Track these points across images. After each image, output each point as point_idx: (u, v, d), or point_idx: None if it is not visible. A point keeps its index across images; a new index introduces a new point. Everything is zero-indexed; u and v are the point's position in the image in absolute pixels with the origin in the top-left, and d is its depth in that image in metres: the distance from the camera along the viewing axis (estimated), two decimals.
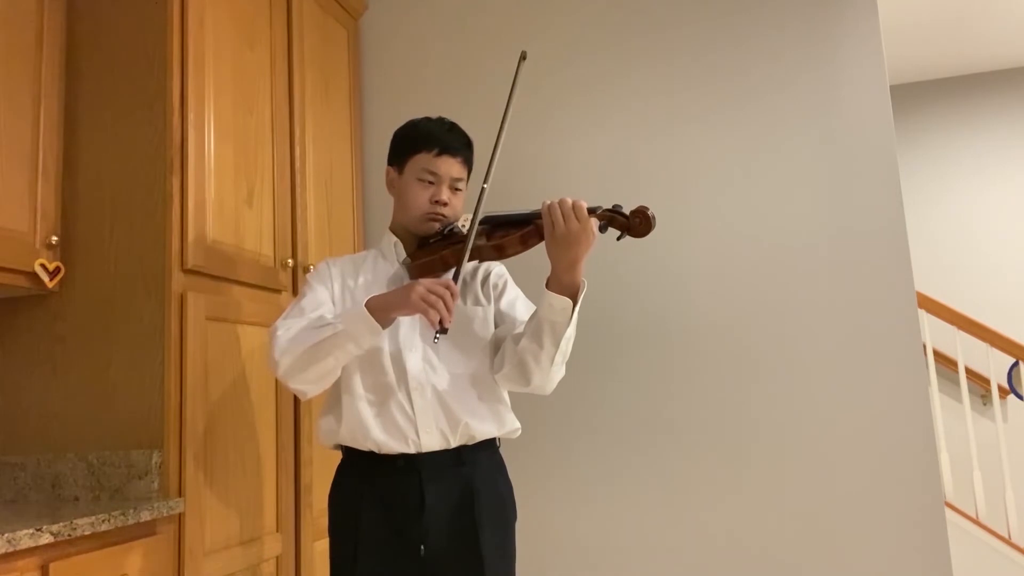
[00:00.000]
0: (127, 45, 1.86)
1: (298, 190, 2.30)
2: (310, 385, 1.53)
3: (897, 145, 2.42)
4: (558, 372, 1.59)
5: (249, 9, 2.16)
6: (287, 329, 1.52)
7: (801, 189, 2.40)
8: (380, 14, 2.85)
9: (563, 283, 1.49)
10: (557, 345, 1.51)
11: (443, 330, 1.42)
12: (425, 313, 1.41)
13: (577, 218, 1.46)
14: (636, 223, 1.51)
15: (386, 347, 1.57)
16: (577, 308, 1.51)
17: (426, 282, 1.44)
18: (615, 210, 1.52)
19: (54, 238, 1.77)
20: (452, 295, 1.43)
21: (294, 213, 2.28)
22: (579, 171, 2.58)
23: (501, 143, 1.59)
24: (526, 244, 1.56)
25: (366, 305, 1.46)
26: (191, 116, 1.85)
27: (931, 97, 4.73)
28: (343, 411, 1.57)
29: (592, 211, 1.49)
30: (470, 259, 1.59)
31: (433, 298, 1.40)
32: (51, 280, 1.76)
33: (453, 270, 1.51)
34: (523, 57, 1.63)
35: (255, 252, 2.07)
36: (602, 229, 1.52)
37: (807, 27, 2.45)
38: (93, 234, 1.81)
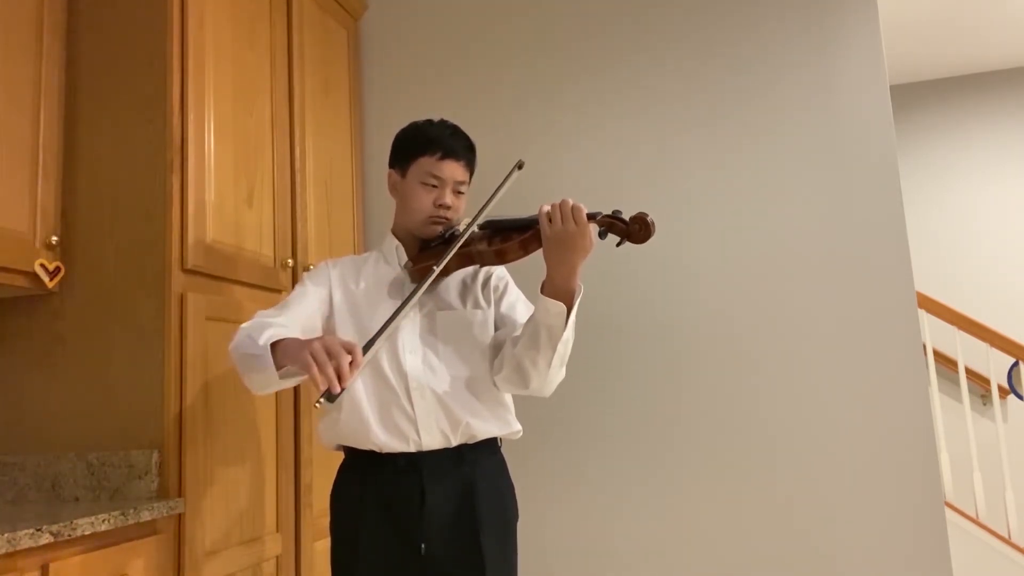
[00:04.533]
0: (127, 45, 1.86)
1: (298, 190, 2.30)
2: (252, 387, 1.50)
3: (897, 145, 2.42)
4: (557, 375, 1.58)
5: (249, 9, 2.16)
6: (250, 325, 1.52)
7: (801, 189, 2.40)
8: (380, 14, 2.85)
9: (558, 287, 1.48)
10: (554, 349, 1.51)
11: (329, 396, 1.27)
12: (308, 370, 1.27)
13: (575, 221, 1.44)
14: (635, 229, 1.49)
15: (386, 350, 1.57)
16: (574, 313, 1.50)
17: (328, 340, 1.31)
18: (614, 216, 1.51)
19: (54, 238, 1.77)
20: (353, 362, 1.28)
21: (294, 213, 2.28)
22: (577, 173, 2.58)
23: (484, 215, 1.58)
24: (527, 250, 1.54)
25: (277, 344, 1.42)
26: (191, 116, 1.85)
27: (931, 97, 4.73)
28: (344, 412, 1.57)
29: (591, 217, 1.48)
30: (471, 264, 1.59)
31: (324, 358, 1.27)
32: (51, 280, 1.76)
33: (384, 323, 1.44)
34: (519, 166, 1.61)
35: (255, 252, 2.07)
36: (601, 235, 1.51)
37: (807, 27, 2.45)
38: (93, 234, 1.81)
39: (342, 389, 1.27)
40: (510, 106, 2.66)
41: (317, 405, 1.30)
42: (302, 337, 1.49)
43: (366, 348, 1.37)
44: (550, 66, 2.65)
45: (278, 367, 1.40)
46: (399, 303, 1.59)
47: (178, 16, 1.86)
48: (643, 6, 2.60)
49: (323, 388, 1.27)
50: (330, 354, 1.28)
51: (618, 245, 1.52)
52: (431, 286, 1.55)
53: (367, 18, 2.86)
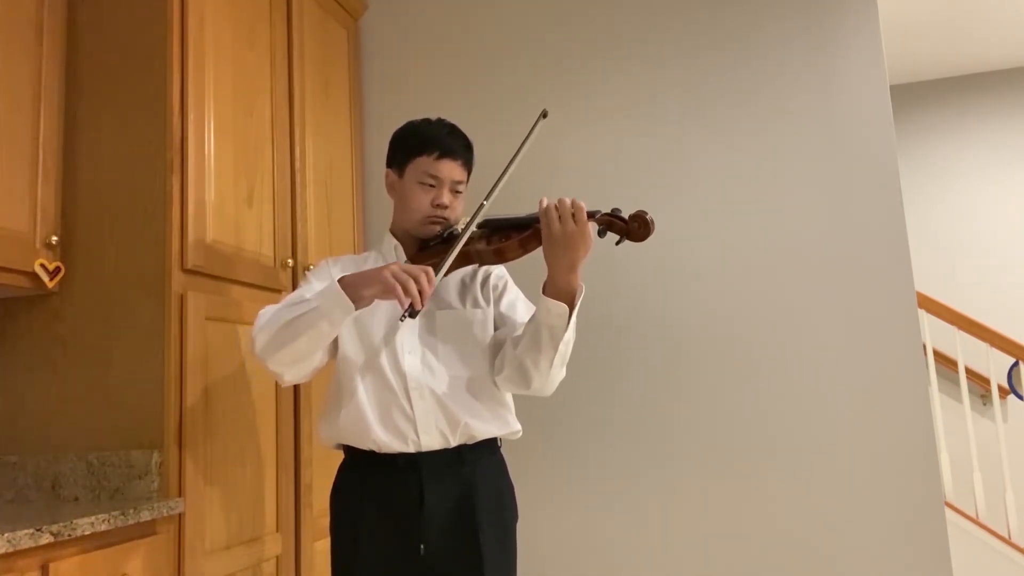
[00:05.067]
0: (127, 45, 1.86)
1: (298, 190, 2.30)
2: (285, 368, 1.51)
3: (897, 145, 2.42)
4: (558, 375, 1.58)
5: (249, 9, 2.16)
6: (277, 306, 1.53)
7: (801, 189, 2.40)
8: (380, 14, 2.85)
9: (559, 287, 1.48)
10: (556, 348, 1.50)
11: (412, 312, 1.37)
12: (393, 290, 1.36)
13: (575, 220, 1.44)
14: (635, 227, 1.49)
15: (384, 350, 1.57)
16: (575, 313, 1.50)
17: (400, 264, 1.41)
18: (614, 214, 1.51)
19: (54, 238, 1.77)
20: (428, 280, 1.38)
21: (294, 213, 2.28)
22: (577, 172, 2.58)
23: (510, 173, 1.58)
24: (526, 248, 1.54)
25: (339, 281, 1.44)
26: (191, 116, 1.85)
27: (931, 97, 4.73)
28: (343, 412, 1.57)
29: (591, 215, 1.47)
30: (470, 263, 1.59)
31: (404, 277, 1.37)
32: (51, 280, 1.76)
33: (441, 263, 1.48)
34: (544, 115, 1.62)
35: (255, 252, 2.07)
36: (601, 234, 1.51)
37: (807, 27, 2.45)
38: (93, 234, 1.81)
39: (423, 306, 1.37)
40: (509, 105, 2.66)
41: (402, 321, 1.43)
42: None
43: (436, 271, 1.43)
44: (549, 66, 2.65)
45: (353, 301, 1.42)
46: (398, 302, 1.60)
47: (178, 16, 1.86)
48: (642, 6, 2.60)
49: (405, 304, 1.36)
50: (408, 273, 1.37)
51: (617, 243, 1.52)
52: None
53: (367, 18, 2.86)
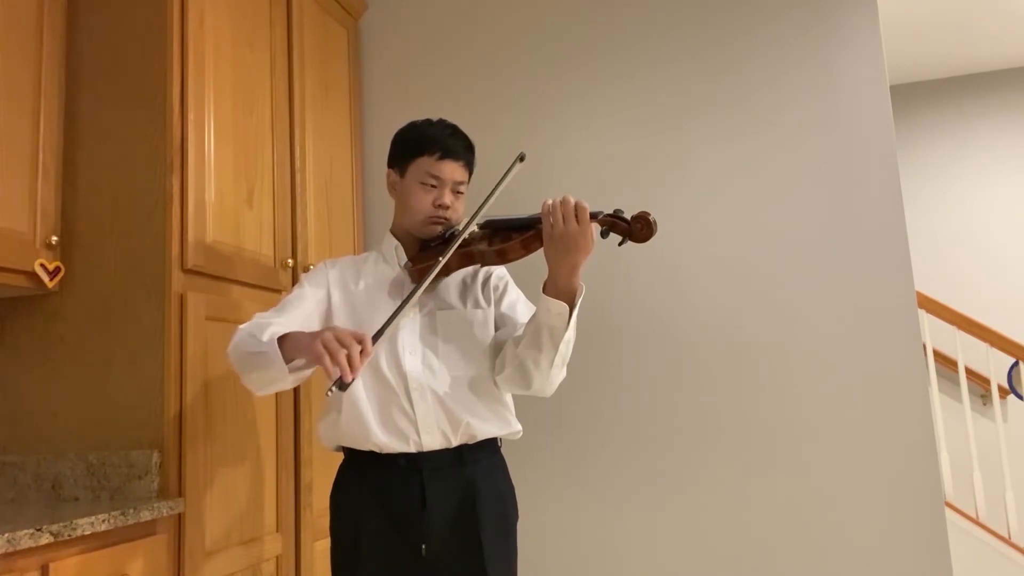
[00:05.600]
0: (127, 45, 1.86)
1: (298, 190, 2.30)
2: (253, 387, 1.52)
3: (897, 145, 2.42)
4: (558, 375, 1.58)
5: (249, 9, 2.16)
6: (250, 325, 1.53)
7: (801, 189, 2.40)
8: (380, 14, 2.85)
9: (560, 287, 1.48)
10: (556, 349, 1.50)
11: (340, 385, 1.30)
12: (320, 361, 1.30)
13: (578, 220, 1.44)
14: (637, 229, 1.49)
15: (385, 351, 1.57)
16: (575, 312, 1.50)
17: (339, 330, 1.35)
18: (616, 215, 1.50)
19: (54, 238, 1.77)
20: (363, 351, 1.32)
21: (294, 213, 2.28)
22: (576, 172, 2.58)
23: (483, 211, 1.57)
24: (529, 249, 1.54)
25: (280, 339, 1.43)
26: (191, 116, 1.85)
27: (931, 97, 4.73)
28: (343, 413, 1.57)
29: (593, 216, 1.47)
30: (471, 263, 1.59)
31: (335, 347, 1.30)
32: (51, 280, 1.76)
33: (389, 316, 1.45)
34: (520, 159, 1.59)
35: (255, 252, 2.07)
36: (603, 235, 1.51)
37: (807, 27, 2.45)
38: (93, 234, 1.81)
39: (353, 378, 1.30)
40: (510, 105, 2.66)
41: (328, 395, 1.32)
42: None
43: (375, 338, 1.38)
44: (549, 66, 2.65)
45: (286, 360, 1.41)
46: (399, 303, 1.59)
47: (178, 16, 1.86)
48: (642, 6, 2.60)
49: (335, 377, 1.30)
50: (341, 343, 1.31)
51: (620, 244, 1.52)
52: (435, 279, 1.56)
53: (367, 18, 2.86)
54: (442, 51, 2.77)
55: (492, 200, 1.56)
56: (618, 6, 2.62)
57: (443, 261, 1.51)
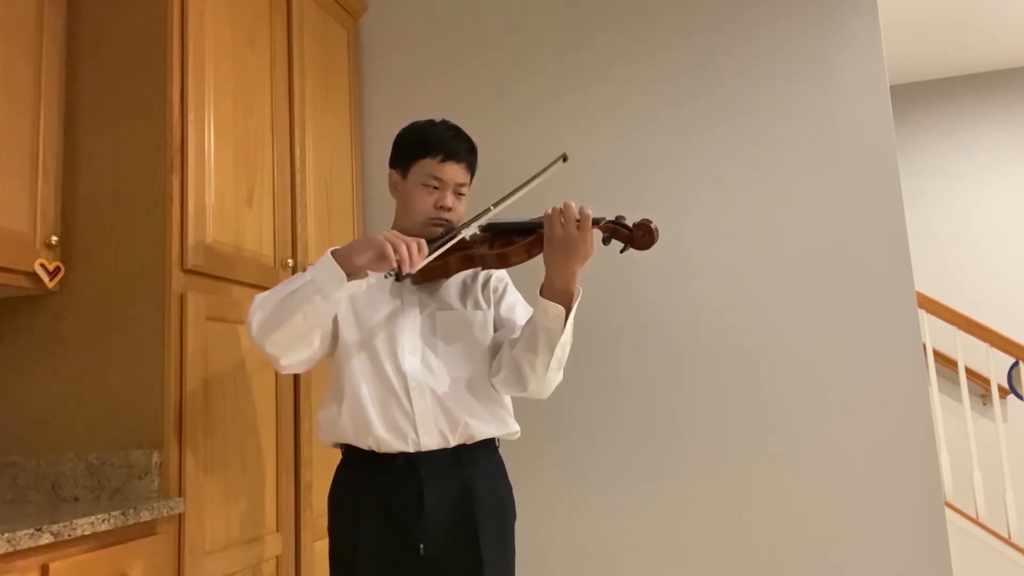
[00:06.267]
0: (127, 45, 1.86)
1: (298, 190, 2.30)
2: (281, 351, 1.49)
3: (897, 145, 2.42)
4: (555, 377, 1.58)
5: (249, 9, 2.16)
6: (269, 292, 1.52)
7: (801, 189, 2.40)
8: (380, 14, 2.85)
9: (557, 291, 1.48)
10: (552, 352, 1.51)
11: (397, 275, 1.39)
12: (382, 248, 1.38)
13: (580, 227, 1.44)
14: (639, 236, 1.48)
15: (385, 349, 1.57)
16: (572, 316, 1.50)
17: (395, 231, 1.44)
18: (618, 222, 1.50)
19: (54, 238, 1.77)
20: (420, 248, 1.40)
21: (294, 213, 2.28)
22: (576, 174, 2.56)
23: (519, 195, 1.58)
24: (530, 253, 1.54)
25: (332, 253, 1.43)
26: (191, 116, 1.85)
27: (931, 97, 4.73)
28: (344, 409, 1.57)
29: (595, 223, 1.47)
30: (473, 266, 1.59)
31: (397, 240, 1.39)
32: (51, 280, 1.76)
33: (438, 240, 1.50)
34: (563, 159, 1.63)
35: (255, 252, 2.07)
36: (605, 242, 1.51)
37: (807, 27, 2.45)
38: (93, 234, 1.81)
39: (410, 272, 1.40)
40: (510, 106, 2.66)
41: (385, 278, 1.48)
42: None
43: (431, 244, 1.46)
44: (549, 67, 2.65)
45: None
46: (399, 302, 1.60)
47: (178, 16, 1.86)
48: (642, 7, 2.60)
49: (394, 263, 1.37)
50: (401, 239, 1.39)
51: (621, 252, 1.51)
52: (435, 279, 1.60)
53: (367, 18, 2.86)
54: (442, 51, 2.77)
55: (525, 190, 1.57)
56: (618, 7, 2.62)
57: (464, 232, 1.53)
